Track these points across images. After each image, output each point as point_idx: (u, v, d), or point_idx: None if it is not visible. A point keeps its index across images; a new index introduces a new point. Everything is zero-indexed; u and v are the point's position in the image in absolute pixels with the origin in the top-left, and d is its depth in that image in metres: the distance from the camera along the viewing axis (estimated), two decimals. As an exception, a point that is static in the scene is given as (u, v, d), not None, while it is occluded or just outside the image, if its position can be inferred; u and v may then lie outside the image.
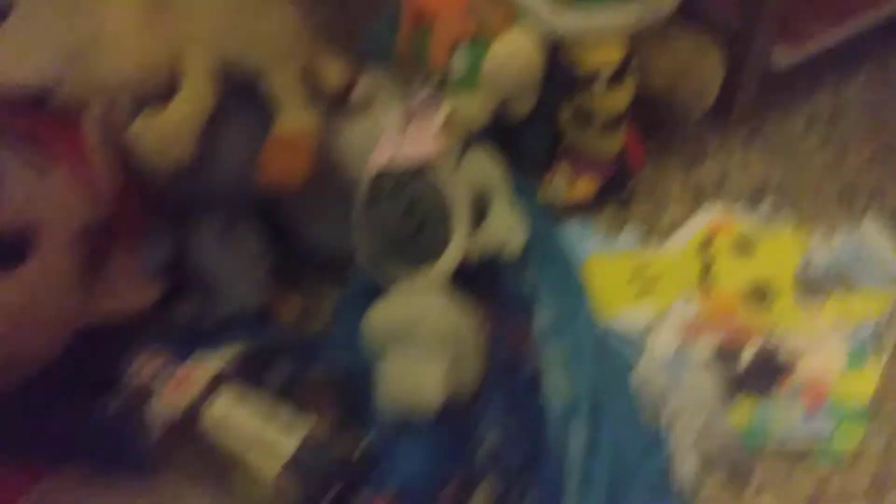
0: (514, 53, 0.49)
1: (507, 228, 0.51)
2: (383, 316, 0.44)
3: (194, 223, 0.48)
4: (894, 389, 0.50)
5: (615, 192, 0.61)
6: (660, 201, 0.64)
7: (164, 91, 0.41)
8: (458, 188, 0.47)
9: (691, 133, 0.68)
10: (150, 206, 0.50)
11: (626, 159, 0.59)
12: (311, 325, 0.51)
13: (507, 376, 0.48)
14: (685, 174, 0.66)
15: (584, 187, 0.59)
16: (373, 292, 0.51)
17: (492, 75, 0.50)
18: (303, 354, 0.48)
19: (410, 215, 0.45)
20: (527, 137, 0.61)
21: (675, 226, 0.62)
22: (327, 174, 0.51)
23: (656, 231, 0.61)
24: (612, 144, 0.57)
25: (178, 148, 0.40)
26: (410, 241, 0.46)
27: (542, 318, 0.52)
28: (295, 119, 0.43)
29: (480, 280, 0.52)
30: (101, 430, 0.42)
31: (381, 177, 0.47)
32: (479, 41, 0.50)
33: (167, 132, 0.39)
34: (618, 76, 0.51)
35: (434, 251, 0.46)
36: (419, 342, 0.44)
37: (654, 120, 0.63)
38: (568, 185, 0.59)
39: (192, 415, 0.43)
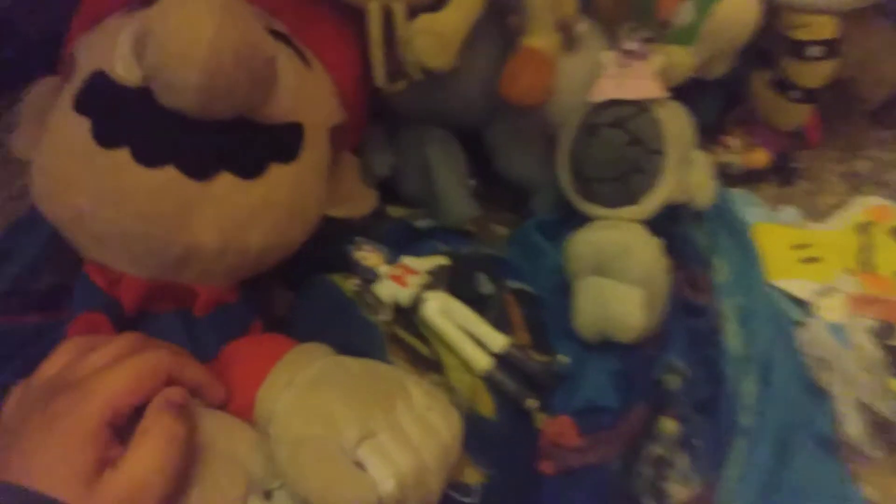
0: (738, 13, 0.51)
1: (701, 182, 0.53)
2: (592, 241, 0.47)
3: (412, 137, 0.51)
4: None
5: (781, 168, 0.64)
6: (817, 184, 0.66)
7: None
8: (673, 132, 0.49)
9: (854, 122, 0.70)
10: (372, 116, 0.53)
11: (803, 135, 0.61)
12: (502, 249, 0.53)
13: (689, 319, 0.51)
14: (842, 164, 0.68)
15: (759, 157, 0.61)
16: (559, 224, 0.54)
17: (713, 32, 0.51)
18: (498, 272, 0.51)
19: (630, 149, 0.47)
20: (703, 99, 0.63)
21: (831, 209, 0.64)
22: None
23: (813, 212, 0.63)
24: (799, 117, 0.59)
25: (450, 52, 0.41)
26: (623, 175, 0.48)
27: (719, 272, 0.55)
28: (545, 36, 0.45)
29: (662, 226, 0.55)
30: (331, 302, 0.45)
31: (603, 108, 0.49)
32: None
33: (445, 34, 0.41)
34: (830, 50, 0.53)
35: (642, 189, 0.48)
36: (624, 270, 0.46)
37: (828, 103, 0.66)
38: (742, 152, 0.62)
39: (416, 302, 0.46)
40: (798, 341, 0.53)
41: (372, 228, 0.51)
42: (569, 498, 0.43)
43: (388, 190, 0.55)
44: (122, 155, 0.36)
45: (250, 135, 0.39)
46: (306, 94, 0.42)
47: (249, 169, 0.38)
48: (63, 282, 0.45)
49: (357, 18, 0.45)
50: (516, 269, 0.52)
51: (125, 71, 0.37)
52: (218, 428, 0.35)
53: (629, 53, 0.54)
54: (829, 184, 0.66)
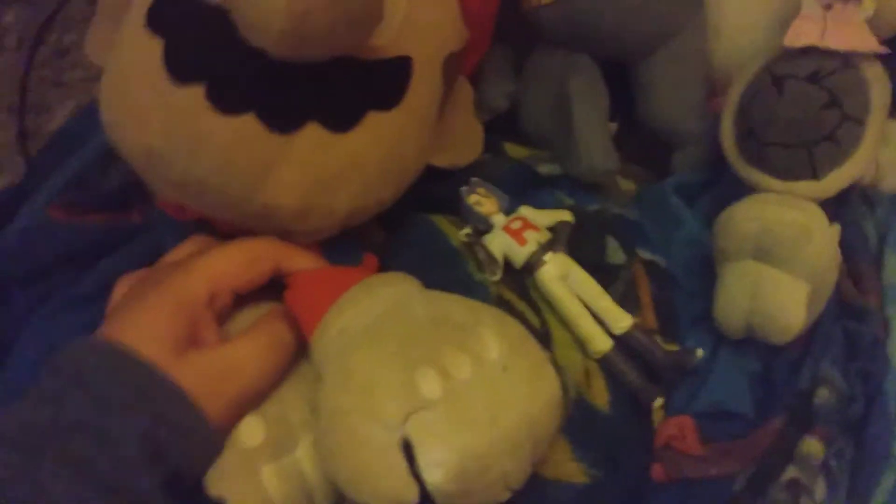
0: None
1: (892, 161, 0.43)
2: (761, 218, 0.39)
3: (549, 64, 0.43)
4: None
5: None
6: None
7: None
8: (880, 98, 0.39)
9: None
10: (494, 35, 0.45)
11: None
12: (631, 210, 0.46)
13: (849, 323, 0.43)
14: None
15: None
16: (706, 188, 0.46)
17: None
18: (630, 240, 0.43)
19: (826, 112, 0.38)
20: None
21: None
22: (701, 40, 0.45)
23: None
24: None
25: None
26: (811, 142, 0.39)
27: (891, 272, 0.45)
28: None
29: (828, 207, 0.46)
30: (433, 250, 0.39)
31: (797, 56, 0.39)
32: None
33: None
34: None
35: (831, 162, 0.39)
36: (794, 260, 0.38)
37: None
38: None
39: (533, 264, 0.39)
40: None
41: (487, 168, 0.43)
42: (681, 512, 0.37)
43: (508, 123, 0.47)
44: (197, 94, 0.30)
45: (347, 78, 0.32)
46: (418, 16, 0.35)
47: (342, 120, 0.32)
48: (137, 180, 0.41)
49: None
50: (647, 236, 0.44)
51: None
52: None
53: (834, -6, 0.44)
54: None
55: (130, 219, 0.48)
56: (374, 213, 0.37)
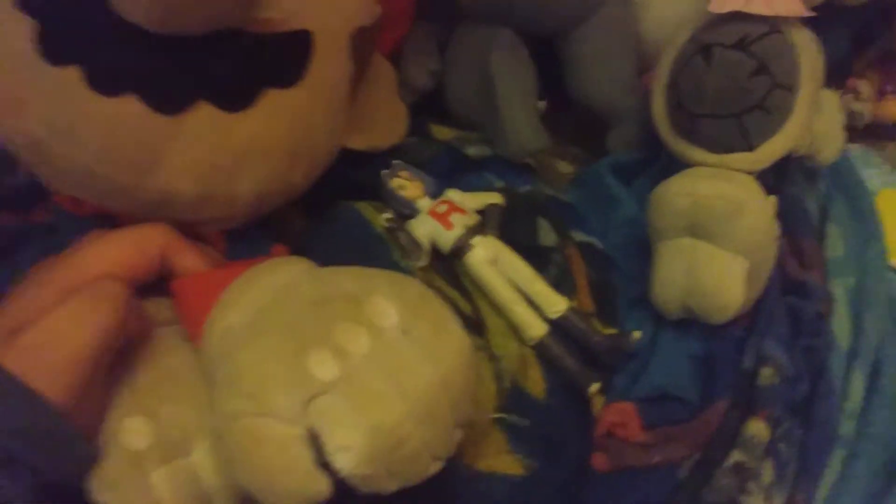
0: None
1: (829, 131, 0.42)
2: (693, 193, 0.37)
3: (472, 40, 0.41)
4: None
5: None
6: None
7: None
8: (809, 65, 0.38)
9: None
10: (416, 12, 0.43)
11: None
12: (566, 190, 0.44)
13: (791, 299, 0.42)
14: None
15: (893, 108, 0.50)
16: (641, 166, 0.45)
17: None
18: (563, 221, 0.42)
19: (754, 79, 0.37)
20: (833, 31, 0.51)
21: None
22: (625, 11, 0.43)
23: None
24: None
25: None
26: (741, 112, 0.37)
27: (832, 246, 0.45)
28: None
29: (767, 182, 0.45)
30: (351, 238, 0.37)
31: (722, 23, 0.38)
32: None
33: None
34: None
35: (763, 132, 0.38)
36: (729, 235, 0.36)
37: None
38: (873, 101, 0.51)
39: (460, 247, 0.37)
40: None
41: (412, 151, 0.41)
42: (622, 503, 0.35)
43: (434, 104, 0.45)
44: (73, 75, 0.28)
45: (238, 54, 0.30)
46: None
47: (235, 98, 0.30)
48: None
49: None
50: (583, 218, 0.43)
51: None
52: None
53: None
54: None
55: (36, 218, 0.45)
56: (286, 200, 0.35)
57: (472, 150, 0.42)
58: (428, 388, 0.26)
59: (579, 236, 0.42)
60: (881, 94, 0.52)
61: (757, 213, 0.37)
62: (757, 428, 0.36)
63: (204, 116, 0.29)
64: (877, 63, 0.52)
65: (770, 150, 0.39)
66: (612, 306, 0.40)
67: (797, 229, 0.44)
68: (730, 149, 0.39)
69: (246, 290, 0.28)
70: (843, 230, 0.45)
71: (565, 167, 0.49)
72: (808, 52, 0.40)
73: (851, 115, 0.52)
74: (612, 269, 0.41)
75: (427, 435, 0.25)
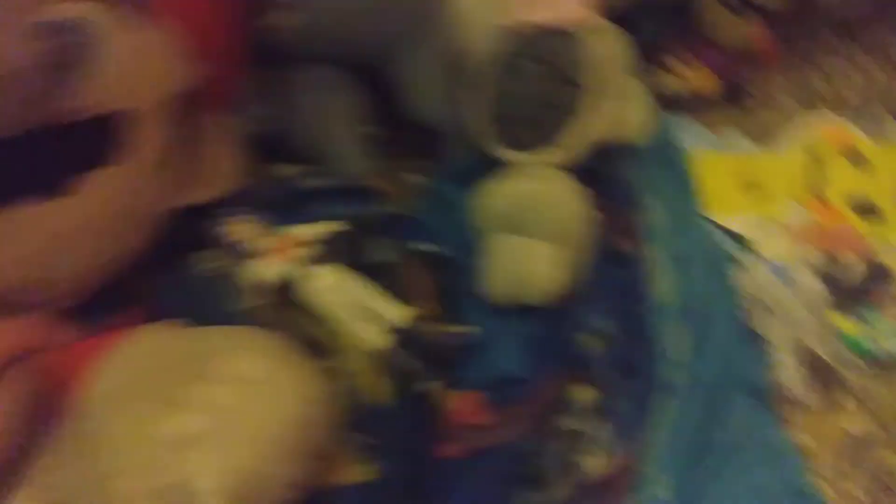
0: None
1: (635, 117, 0.46)
2: (500, 195, 0.41)
3: (297, 81, 0.44)
4: None
5: (728, 89, 0.57)
6: (768, 104, 0.59)
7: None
8: (598, 60, 0.42)
9: (800, 36, 0.62)
10: (247, 63, 0.45)
11: (755, 54, 0.54)
12: (410, 204, 0.47)
13: (614, 270, 0.46)
14: (795, 79, 0.61)
15: (705, 81, 0.55)
16: (474, 172, 0.48)
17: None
18: (403, 234, 0.45)
19: (547, 84, 0.41)
20: (645, 15, 0.55)
21: (783, 131, 0.57)
22: (438, 29, 0.46)
23: (764, 133, 0.57)
24: (743, 31, 0.52)
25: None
26: (537, 112, 0.42)
27: (651, 214, 0.49)
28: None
29: (588, 165, 0.48)
30: (194, 289, 0.40)
31: (515, 36, 0.42)
32: None
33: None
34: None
35: (558, 127, 0.42)
36: (537, 226, 0.41)
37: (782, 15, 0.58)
38: (688, 75, 0.55)
39: (289, 282, 0.40)
40: (737, 284, 0.48)
41: (254, 193, 0.43)
42: (471, 483, 0.39)
43: (275, 143, 0.48)
44: None
45: (48, 145, 0.31)
46: (126, 67, 0.34)
47: (49, 187, 0.31)
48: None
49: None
50: (426, 228, 0.46)
51: None
52: None
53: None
54: (781, 103, 0.59)
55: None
56: (126, 264, 0.37)
57: (314, 182, 0.45)
58: (285, 430, 0.29)
59: (423, 247, 0.45)
60: (695, 69, 0.55)
61: (559, 203, 0.41)
62: (582, 393, 0.41)
63: (20, 213, 0.31)
64: (688, 39, 0.56)
65: (571, 143, 0.43)
66: (456, 306, 0.43)
67: (618, 204, 0.48)
68: (537, 147, 0.43)
69: (115, 361, 0.31)
70: (662, 197, 0.49)
71: (417, 179, 0.52)
72: (601, 49, 0.44)
73: (668, 91, 0.56)
74: (455, 271, 0.45)
75: (289, 471, 0.29)
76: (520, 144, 0.43)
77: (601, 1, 0.47)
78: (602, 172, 0.49)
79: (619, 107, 0.47)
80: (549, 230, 0.41)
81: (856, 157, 0.55)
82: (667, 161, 0.52)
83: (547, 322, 0.43)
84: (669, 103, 0.56)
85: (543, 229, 0.41)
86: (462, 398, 0.41)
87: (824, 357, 0.45)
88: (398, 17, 0.46)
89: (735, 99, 0.58)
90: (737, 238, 0.50)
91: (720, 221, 0.51)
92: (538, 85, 0.42)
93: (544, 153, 0.43)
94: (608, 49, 0.46)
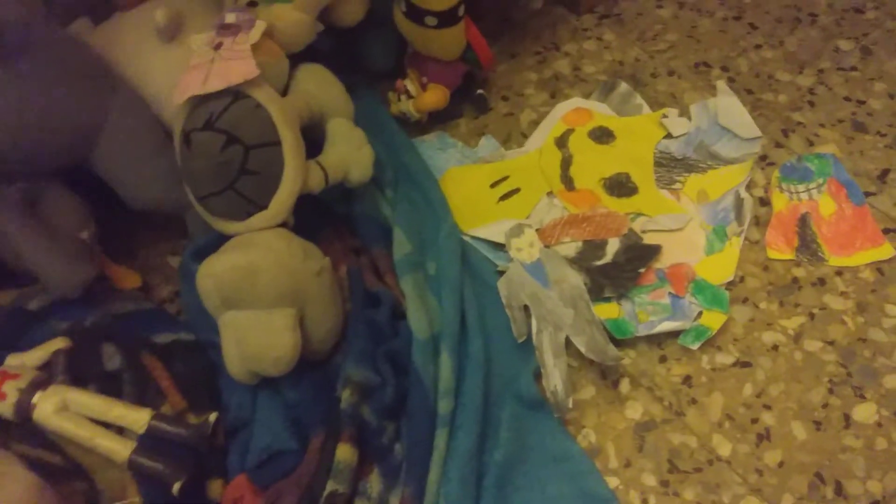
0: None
1: (350, 152, 0.46)
2: (211, 273, 0.39)
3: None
4: (754, 263, 0.50)
5: (470, 98, 0.58)
6: (516, 102, 0.61)
7: None
8: (287, 113, 0.41)
9: (543, 25, 0.65)
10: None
11: (474, 59, 0.54)
12: (154, 292, 0.46)
13: (369, 311, 0.45)
14: (539, 69, 0.63)
15: (435, 95, 0.55)
16: (214, 248, 0.47)
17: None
18: (142, 328, 0.43)
19: (232, 147, 0.39)
20: (369, 47, 0.56)
21: (533, 124, 0.59)
22: (140, 114, 0.45)
23: (516, 132, 0.59)
24: (453, 42, 0.52)
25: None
26: (231, 184, 0.40)
27: (399, 246, 0.48)
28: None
29: (334, 206, 0.49)
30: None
31: (195, 107, 0.40)
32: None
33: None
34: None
35: (267, 191, 0.41)
36: (254, 297, 0.39)
37: (500, 14, 0.59)
38: (417, 94, 0.55)
39: (23, 411, 0.38)
40: (501, 290, 0.48)
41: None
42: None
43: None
44: None
45: None
46: None
47: None
48: None
49: None
50: (167, 317, 0.45)
51: None
52: None
53: (227, 28, 0.45)
54: (529, 97, 0.60)
55: None
56: None
57: (34, 304, 0.43)
58: None
59: (166, 338, 0.44)
60: (424, 86, 0.55)
61: (271, 268, 0.39)
62: (343, 452, 0.39)
63: None
64: (413, 62, 0.56)
65: (283, 201, 0.42)
66: (203, 394, 0.42)
67: (370, 243, 0.49)
68: (245, 214, 0.42)
69: None
70: (409, 226, 0.49)
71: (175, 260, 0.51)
72: (283, 104, 0.42)
73: (404, 115, 0.56)
74: (201, 358, 0.44)
75: None
76: (228, 215, 0.42)
77: (291, 46, 0.46)
78: (353, 212, 0.49)
79: (334, 145, 0.47)
80: (267, 297, 0.39)
81: (602, 135, 0.56)
82: (416, 184, 0.52)
83: (306, 386, 0.42)
84: (417, 126, 0.57)
85: (260, 299, 0.39)
86: (231, 486, 0.39)
87: (584, 351, 0.45)
88: (82, 115, 0.43)
89: (480, 107, 0.58)
90: (496, 246, 0.50)
91: (479, 234, 0.51)
92: (219, 157, 0.40)
93: (258, 219, 0.42)
94: (306, 93, 0.46)
